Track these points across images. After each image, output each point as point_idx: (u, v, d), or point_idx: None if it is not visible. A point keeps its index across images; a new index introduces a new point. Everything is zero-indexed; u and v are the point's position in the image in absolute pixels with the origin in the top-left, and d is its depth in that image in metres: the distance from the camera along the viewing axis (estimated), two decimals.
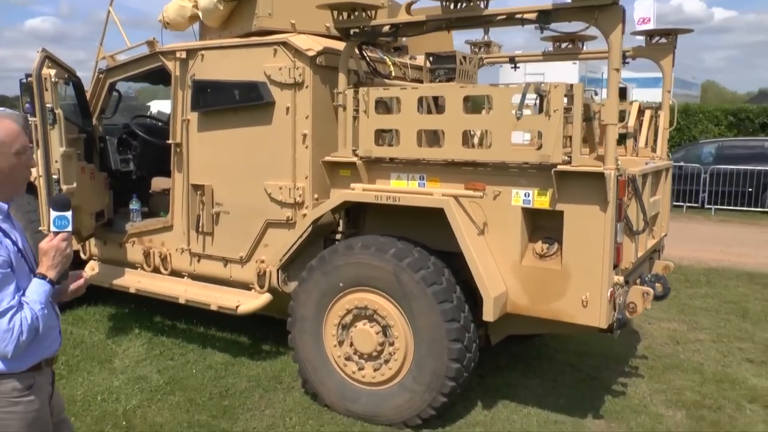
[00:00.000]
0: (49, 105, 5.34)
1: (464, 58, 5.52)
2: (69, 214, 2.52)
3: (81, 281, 2.69)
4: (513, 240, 4.40)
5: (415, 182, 4.64)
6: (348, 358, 4.71)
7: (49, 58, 5.44)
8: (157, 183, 6.38)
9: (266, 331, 6.25)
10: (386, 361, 4.58)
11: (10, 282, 2.35)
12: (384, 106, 5.01)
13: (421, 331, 4.42)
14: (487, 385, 5.27)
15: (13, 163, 2.43)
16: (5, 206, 2.47)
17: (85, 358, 5.84)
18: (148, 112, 13.60)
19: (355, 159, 4.70)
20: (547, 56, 6.42)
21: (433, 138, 5.09)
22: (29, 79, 5.38)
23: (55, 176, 5.46)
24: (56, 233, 2.51)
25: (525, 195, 4.35)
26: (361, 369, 4.66)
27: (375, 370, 4.60)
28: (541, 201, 4.31)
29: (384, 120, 4.73)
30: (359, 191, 4.63)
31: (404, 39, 5.94)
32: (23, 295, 2.40)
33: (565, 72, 15.74)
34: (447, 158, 4.50)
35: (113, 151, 6.54)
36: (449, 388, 4.39)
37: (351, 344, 4.69)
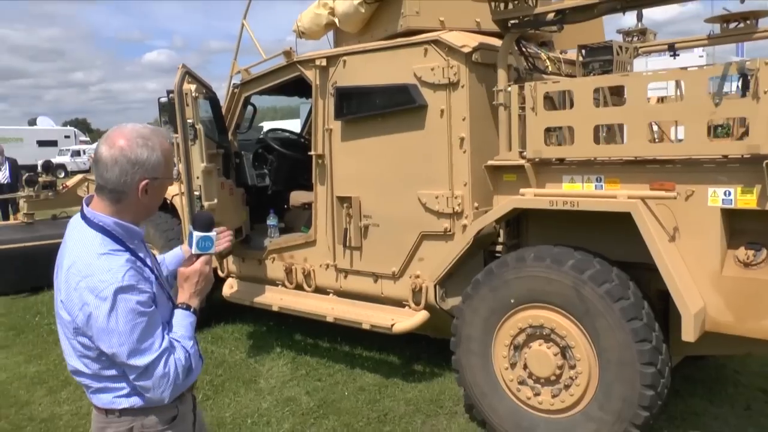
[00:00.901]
0: (190, 120, 5.22)
1: (620, 47, 5.00)
2: (213, 234, 2.30)
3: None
4: (711, 246, 3.82)
5: (591, 184, 4.15)
6: (522, 383, 4.26)
7: (188, 74, 5.33)
8: (297, 197, 6.16)
9: (416, 351, 5.90)
10: (567, 387, 4.10)
11: (158, 321, 2.10)
12: (549, 102, 4.56)
13: (607, 352, 3.91)
14: (671, 413, 4.68)
15: (165, 186, 2.24)
16: (142, 231, 2.24)
17: (230, 378, 5.67)
18: (261, 133, 13.72)
19: (522, 161, 4.26)
20: (713, 39, 5.77)
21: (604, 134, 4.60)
22: (171, 95, 5.27)
23: (196, 192, 5.33)
24: (197, 256, 2.29)
25: (725, 194, 3.77)
26: (537, 394, 4.20)
27: (554, 396, 4.13)
28: (746, 200, 3.72)
29: (556, 117, 4.28)
30: (530, 197, 4.19)
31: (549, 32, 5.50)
32: (169, 330, 2.17)
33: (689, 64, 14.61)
34: (630, 156, 3.98)
35: (249, 166, 6.38)
36: (642, 419, 3.84)
37: (525, 367, 4.23)
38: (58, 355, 6.48)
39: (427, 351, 5.82)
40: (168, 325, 2.18)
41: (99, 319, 1.99)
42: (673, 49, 6.03)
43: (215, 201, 5.39)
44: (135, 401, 2.15)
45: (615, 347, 3.87)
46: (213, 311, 6.97)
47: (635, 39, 6.10)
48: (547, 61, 5.09)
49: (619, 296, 3.87)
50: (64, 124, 59.01)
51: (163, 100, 6.16)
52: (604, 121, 4.21)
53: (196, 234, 2.28)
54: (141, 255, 2.18)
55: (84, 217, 2.14)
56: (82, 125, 74.92)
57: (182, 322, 2.20)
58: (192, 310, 2.24)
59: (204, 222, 2.32)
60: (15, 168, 15.49)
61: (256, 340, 6.59)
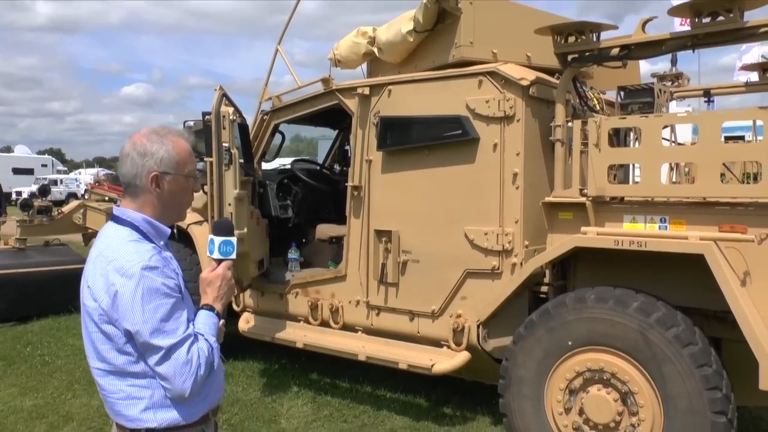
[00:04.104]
0: (225, 144, 5.02)
1: (660, 91, 4.95)
2: (234, 239, 2.29)
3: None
4: None
5: (654, 225, 4.03)
6: (577, 429, 4.06)
7: (225, 96, 5.15)
8: (324, 230, 5.95)
9: (444, 393, 5.66)
10: None
11: (183, 309, 2.10)
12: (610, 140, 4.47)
13: (674, 400, 3.75)
14: None
15: (183, 186, 2.22)
16: (168, 230, 2.25)
17: (248, 418, 5.37)
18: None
19: (583, 199, 4.13)
20: (750, 87, 5.77)
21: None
22: (207, 117, 5.07)
23: None
24: (219, 261, 2.28)
25: None
26: None
27: None
28: None
29: (621, 154, 4.18)
30: (593, 236, 4.05)
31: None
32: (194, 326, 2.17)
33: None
34: (701, 196, 3.88)
35: (272, 197, 6.17)
36: None
37: (581, 412, 4.04)
38: (55, 389, 6.12)
39: (455, 393, 5.59)
40: (192, 323, 2.16)
41: (125, 296, 1.99)
42: (708, 95, 6.01)
43: (245, 230, 5.16)
44: (162, 417, 2.09)
45: (684, 395, 3.71)
46: (222, 347, 6.68)
47: (672, 83, 6.07)
48: (594, 99, 5.01)
49: (688, 341, 3.73)
50: (39, 154, 58.10)
51: (190, 123, 5.96)
52: (673, 160, 4.14)
53: (217, 239, 2.27)
54: (166, 254, 2.19)
55: (114, 216, 2.19)
56: (56, 155, 73.83)
57: (206, 321, 2.18)
58: (215, 312, 2.23)
59: (224, 228, 2.32)
60: None
61: (269, 378, 6.29)
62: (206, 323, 2.18)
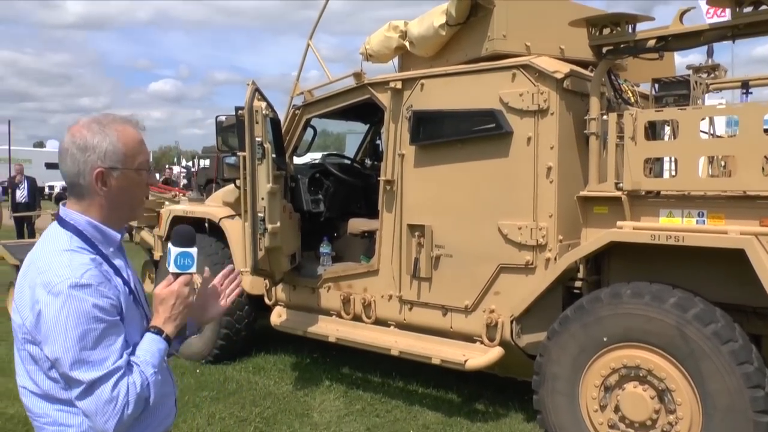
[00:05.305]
0: (258, 139, 5.04)
1: (696, 83, 4.86)
2: (194, 251, 1.97)
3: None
4: None
5: (692, 219, 3.96)
6: (613, 426, 4.03)
7: (257, 91, 5.17)
8: (356, 224, 5.95)
9: (476, 389, 5.63)
10: None
11: (118, 334, 1.81)
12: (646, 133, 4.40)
13: (713, 398, 3.69)
14: None
15: (133, 180, 1.93)
16: (118, 236, 1.97)
17: (280, 411, 5.40)
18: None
19: (619, 193, 4.08)
20: None
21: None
22: (240, 112, 5.10)
23: (260, 214, 5.13)
24: (176, 275, 1.95)
25: None
26: None
27: None
28: None
29: (658, 147, 4.12)
30: (629, 230, 3.99)
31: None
32: (133, 352, 1.86)
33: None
34: (740, 190, 3.81)
35: (304, 191, 6.18)
36: None
37: (616, 409, 4.00)
38: None
39: (487, 389, 5.57)
40: (133, 347, 1.89)
41: (48, 317, 1.73)
42: (746, 87, 5.89)
43: (278, 224, 5.19)
44: None
45: (723, 392, 3.65)
46: (255, 340, 6.79)
47: (708, 75, 5.96)
48: (629, 92, 4.94)
49: (728, 338, 3.67)
50: None
51: (222, 118, 6.01)
52: (711, 153, 4.08)
53: (174, 249, 1.95)
54: (116, 263, 1.94)
55: (58, 217, 1.93)
56: None
57: (148, 347, 1.89)
58: (164, 336, 1.92)
59: (184, 237, 1.98)
60: (33, 187, 15.38)
61: (301, 372, 6.33)
62: (148, 350, 1.88)
